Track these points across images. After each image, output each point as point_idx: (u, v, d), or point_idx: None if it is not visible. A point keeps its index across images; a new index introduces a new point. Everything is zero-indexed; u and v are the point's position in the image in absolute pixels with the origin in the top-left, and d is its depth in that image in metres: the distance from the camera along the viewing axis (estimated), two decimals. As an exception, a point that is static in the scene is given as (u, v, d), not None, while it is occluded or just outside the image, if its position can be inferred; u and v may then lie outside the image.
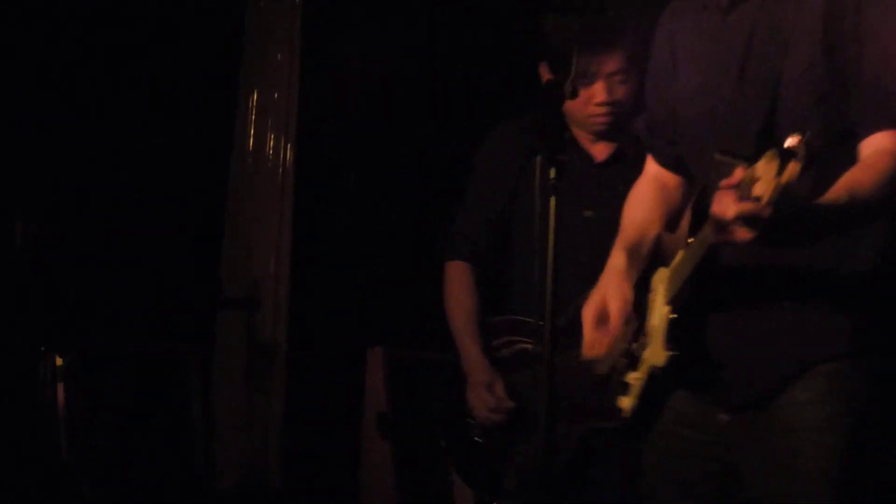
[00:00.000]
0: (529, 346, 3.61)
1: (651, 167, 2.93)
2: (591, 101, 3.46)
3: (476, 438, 3.63)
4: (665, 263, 2.70)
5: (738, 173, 2.17)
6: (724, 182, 2.21)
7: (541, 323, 3.20)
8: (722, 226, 2.21)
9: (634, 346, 2.68)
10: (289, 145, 5.50)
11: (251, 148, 5.53)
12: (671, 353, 2.52)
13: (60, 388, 4.75)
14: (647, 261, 2.75)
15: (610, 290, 2.68)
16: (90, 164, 5.22)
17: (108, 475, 5.05)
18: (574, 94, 2.66)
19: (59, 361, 4.77)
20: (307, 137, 5.50)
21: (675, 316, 2.53)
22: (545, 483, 3.16)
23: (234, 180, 5.55)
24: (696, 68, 2.65)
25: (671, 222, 2.85)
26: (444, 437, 3.72)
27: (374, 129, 5.51)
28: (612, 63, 3.42)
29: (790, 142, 2.08)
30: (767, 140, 2.34)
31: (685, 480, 2.66)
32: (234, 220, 5.54)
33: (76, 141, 5.17)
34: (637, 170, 3.40)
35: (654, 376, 2.59)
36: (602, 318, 2.66)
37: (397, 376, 4.97)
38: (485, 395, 3.56)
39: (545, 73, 3.51)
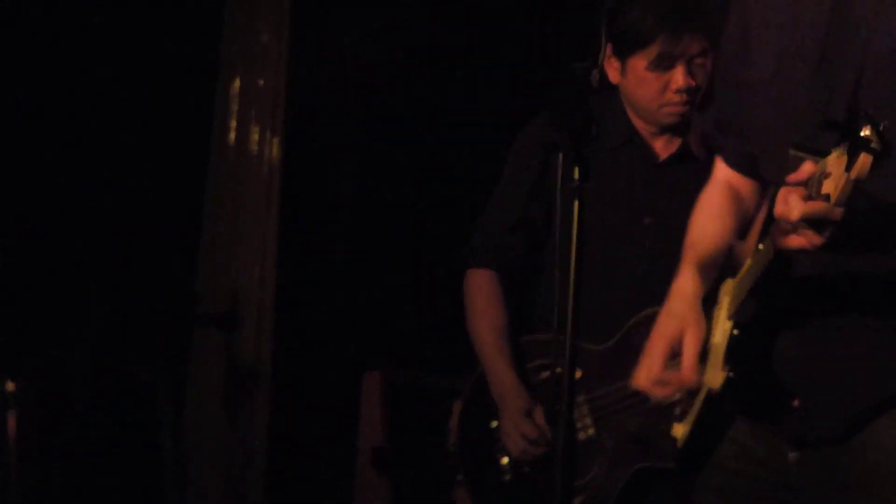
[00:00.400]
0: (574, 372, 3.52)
1: (721, 171, 2.83)
2: (669, 87, 3.40)
3: (506, 477, 3.53)
4: (734, 274, 2.64)
5: (807, 168, 2.13)
6: (790, 177, 2.16)
7: (589, 346, 3.36)
8: (786, 229, 2.17)
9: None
10: (275, 139, 5.43)
11: (233, 142, 5.45)
12: (728, 374, 2.43)
13: (11, 417, 4.66)
14: (716, 275, 2.69)
15: (687, 324, 2.56)
16: (51, 163, 5.16)
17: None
18: (602, 84, 2.74)
19: (10, 387, 4.66)
20: (296, 130, 5.44)
21: (737, 333, 2.45)
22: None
23: (213, 179, 5.46)
24: (770, 49, 2.56)
25: (744, 231, 2.80)
26: (464, 472, 3.60)
27: (370, 122, 5.45)
28: (696, 44, 3.36)
29: (864, 132, 2.00)
30: (849, 132, 2.16)
31: None
32: (213, 225, 5.46)
33: (35, 139, 5.13)
34: (705, 170, 3.39)
35: (711, 401, 2.53)
36: (673, 355, 2.55)
37: (396, 404, 4.75)
38: (523, 424, 3.45)
39: (612, 61, 3.47)
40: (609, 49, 3.45)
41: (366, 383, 4.77)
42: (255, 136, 5.38)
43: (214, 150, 5.42)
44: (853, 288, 2.42)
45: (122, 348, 5.16)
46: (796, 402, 2.45)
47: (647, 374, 2.57)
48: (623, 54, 3.41)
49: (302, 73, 5.36)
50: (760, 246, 2.46)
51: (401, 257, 5.26)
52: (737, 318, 2.48)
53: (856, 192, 2.05)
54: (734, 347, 2.44)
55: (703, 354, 2.58)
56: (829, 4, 2.47)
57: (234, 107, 5.38)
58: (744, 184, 2.78)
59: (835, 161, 2.06)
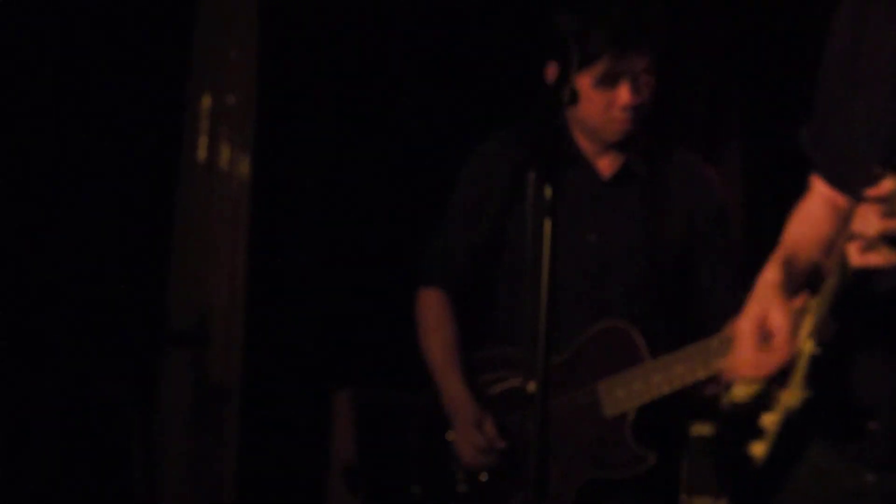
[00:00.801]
0: (522, 382, 3.40)
1: (819, 186, 2.79)
2: (615, 104, 3.45)
3: (460, 489, 3.59)
4: (818, 291, 2.62)
5: (888, 184, 2.08)
6: (870, 192, 2.12)
7: (533, 359, 3.28)
8: (864, 246, 2.14)
9: (774, 385, 2.54)
10: (245, 157, 5.37)
11: (203, 159, 5.38)
12: (807, 394, 2.41)
13: None
14: (802, 282, 2.64)
15: (773, 303, 2.51)
16: (20, 179, 5.10)
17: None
18: (574, 100, 2.60)
19: None
20: (267, 148, 5.37)
21: (818, 352, 2.41)
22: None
23: (182, 196, 5.39)
24: (880, 74, 2.52)
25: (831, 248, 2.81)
26: (421, 486, 3.67)
27: (343, 139, 5.39)
28: (641, 61, 3.41)
29: None
30: None
31: None
32: (183, 242, 5.39)
33: (4, 157, 5.08)
34: (648, 186, 3.53)
35: (790, 420, 2.47)
36: (764, 336, 2.48)
37: (368, 423, 4.78)
38: (473, 434, 3.52)
39: (554, 73, 3.44)
40: (555, 67, 3.44)
41: (337, 402, 4.81)
42: (226, 154, 5.34)
43: (184, 167, 5.36)
44: None
45: (91, 368, 5.09)
46: (874, 425, 2.44)
47: (742, 356, 2.53)
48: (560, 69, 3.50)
49: (272, 89, 5.33)
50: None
51: (371, 275, 5.26)
52: (818, 336, 2.45)
53: None
54: (814, 366, 2.43)
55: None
56: None
57: (204, 124, 5.34)
58: (842, 199, 2.75)
59: None
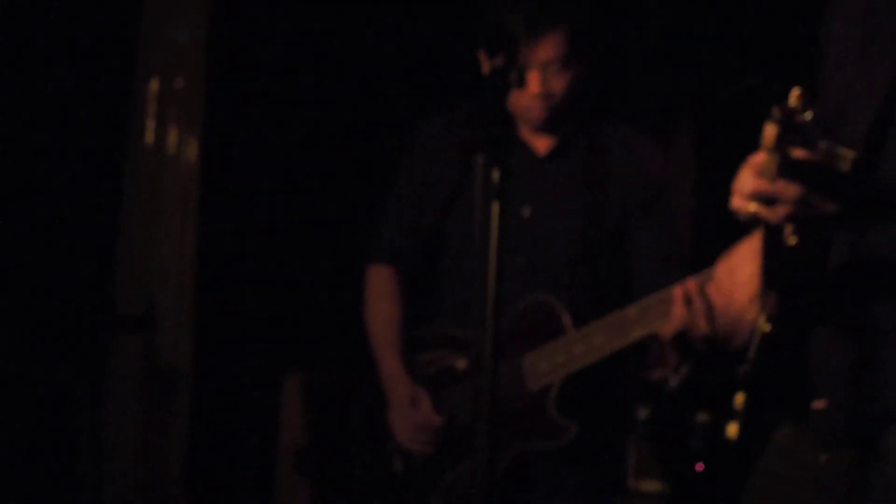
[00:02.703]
0: (458, 361, 3.59)
1: None
2: (525, 92, 3.44)
3: (396, 468, 3.62)
4: None
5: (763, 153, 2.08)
6: (753, 156, 2.15)
7: (475, 334, 3.17)
8: (742, 204, 2.15)
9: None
10: (193, 140, 5.36)
11: (150, 143, 5.36)
12: (749, 367, 2.36)
13: None
14: None
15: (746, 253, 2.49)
16: None
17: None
18: (521, 83, 2.63)
19: None
20: (215, 132, 5.37)
21: (769, 328, 2.37)
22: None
23: (129, 180, 5.37)
24: (846, 51, 2.55)
25: None
26: (359, 467, 3.70)
27: (291, 123, 5.41)
28: (546, 51, 3.39)
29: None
30: (881, 134, 2.26)
31: None
32: (130, 226, 5.38)
33: None
34: (583, 162, 3.53)
35: (746, 401, 2.42)
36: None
37: (318, 405, 4.82)
38: (409, 411, 3.54)
39: (485, 62, 3.48)
40: (482, 53, 3.49)
41: (287, 384, 4.84)
42: (173, 138, 5.33)
43: (131, 151, 5.35)
44: (885, 283, 2.40)
45: (40, 350, 5.09)
46: (819, 404, 2.44)
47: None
48: (494, 59, 3.47)
49: (221, 73, 5.32)
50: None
51: (321, 258, 5.27)
52: (769, 312, 2.42)
53: (781, 162, 2.03)
54: (763, 343, 2.40)
55: None
56: None
57: (152, 107, 5.33)
58: None
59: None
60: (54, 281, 5.13)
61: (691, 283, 3.11)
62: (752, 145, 2.45)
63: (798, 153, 2.03)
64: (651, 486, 4.68)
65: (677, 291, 3.11)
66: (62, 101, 5.15)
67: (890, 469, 2.37)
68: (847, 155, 2.05)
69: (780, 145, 2.02)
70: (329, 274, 5.17)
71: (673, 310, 3.12)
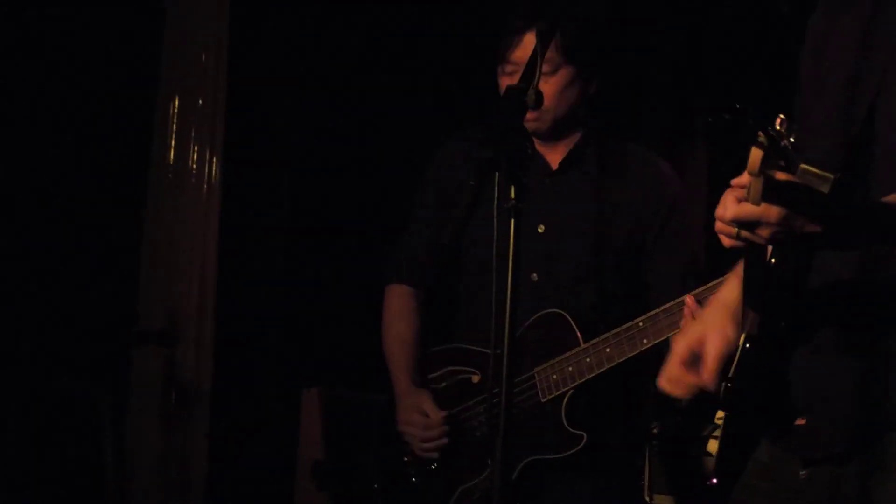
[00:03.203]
0: (473, 375, 3.61)
1: None
2: None
3: (413, 479, 3.62)
4: None
5: (744, 177, 2.11)
6: (734, 181, 2.17)
7: (487, 351, 3.23)
8: (728, 231, 2.19)
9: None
10: (215, 159, 5.38)
11: (172, 162, 5.39)
12: (730, 385, 2.40)
13: None
14: None
15: (711, 328, 2.53)
16: None
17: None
18: (538, 103, 2.62)
19: None
20: (236, 150, 5.40)
21: (749, 346, 2.41)
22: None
23: (152, 198, 5.41)
24: (819, 71, 2.61)
25: None
26: (379, 481, 3.69)
27: (308, 141, 5.46)
28: (523, 51, 3.39)
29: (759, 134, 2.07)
30: (862, 150, 2.32)
31: None
32: (153, 244, 5.40)
33: None
34: (595, 176, 3.54)
35: (727, 418, 2.52)
36: (694, 358, 2.53)
37: (335, 420, 4.86)
38: (412, 417, 3.59)
39: (503, 85, 3.52)
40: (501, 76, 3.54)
41: (305, 400, 4.88)
42: (195, 156, 5.34)
43: (154, 168, 5.37)
44: (859, 305, 2.43)
45: (64, 366, 5.09)
46: (801, 421, 2.46)
47: (665, 373, 2.57)
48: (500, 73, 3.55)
49: (241, 92, 5.35)
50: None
51: (339, 275, 5.31)
52: (749, 330, 2.45)
53: (766, 187, 2.06)
54: (743, 360, 2.43)
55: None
56: (860, 32, 2.50)
57: (174, 126, 5.34)
58: None
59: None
60: (79, 297, 5.16)
61: (700, 293, 3.15)
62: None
63: (781, 176, 2.05)
64: (664, 500, 4.76)
65: (688, 301, 3.15)
66: (88, 119, 5.23)
67: (866, 488, 2.40)
68: (827, 177, 2.07)
69: (765, 169, 2.04)
70: (346, 293, 5.20)
71: (682, 320, 3.16)
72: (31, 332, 5.09)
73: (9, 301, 5.06)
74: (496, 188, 2.56)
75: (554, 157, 3.59)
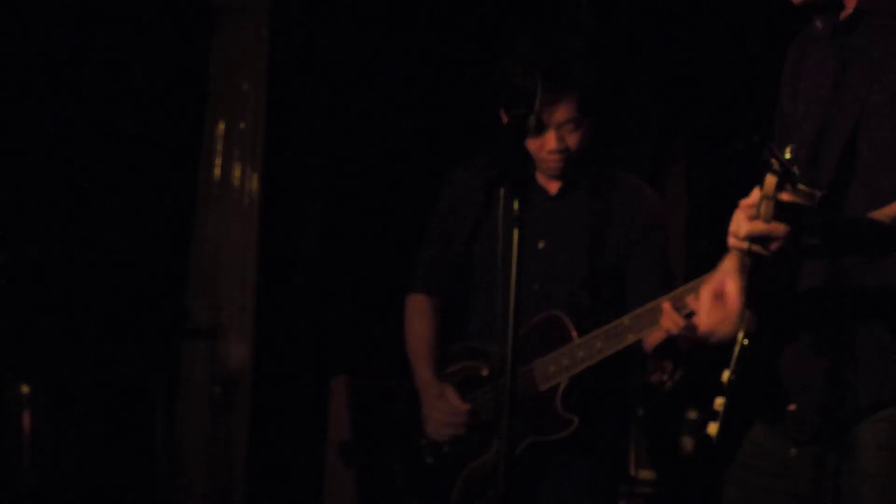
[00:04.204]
0: (483, 369, 3.69)
1: None
2: (544, 148, 3.54)
3: (428, 460, 3.71)
4: None
5: (755, 192, 2.24)
6: (743, 201, 2.28)
7: (492, 349, 3.49)
8: (740, 245, 2.28)
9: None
10: (255, 174, 5.52)
11: (218, 177, 5.56)
12: (731, 378, 2.49)
13: (26, 415, 4.80)
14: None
15: (727, 275, 2.61)
16: (54, 190, 5.25)
17: (72, 502, 5.08)
18: (539, 128, 2.81)
19: (24, 390, 4.82)
20: (273, 167, 5.52)
21: (747, 343, 2.51)
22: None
23: (200, 209, 5.57)
24: (798, 96, 2.68)
25: None
26: (399, 462, 3.79)
27: (341, 159, 5.55)
28: (561, 113, 3.49)
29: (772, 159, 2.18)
30: (846, 169, 2.40)
31: None
32: (200, 249, 5.56)
33: (40, 165, 5.21)
34: (589, 199, 3.61)
35: (727, 404, 2.55)
36: (719, 296, 2.60)
37: (361, 405, 4.99)
38: (437, 404, 3.65)
39: (504, 117, 3.58)
40: (503, 112, 3.55)
41: (334, 387, 5.04)
42: (237, 172, 5.49)
43: (201, 183, 5.53)
44: (843, 303, 2.50)
45: (122, 357, 5.23)
46: (792, 407, 2.55)
47: (701, 315, 2.61)
48: (506, 114, 3.50)
49: (278, 117, 5.45)
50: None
51: (368, 275, 5.40)
52: (745, 327, 2.51)
53: (777, 208, 2.17)
54: (742, 355, 2.49)
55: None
56: (844, 59, 2.54)
57: (219, 146, 5.50)
58: None
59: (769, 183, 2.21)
60: (134, 296, 5.31)
61: (677, 294, 3.22)
62: (735, 182, 2.63)
63: (786, 197, 2.18)
64: (648, 475, 4.80)
65: (665, 302, 3.20)
66: (143, 141, 5.37)
67: (847, 466, 2.50)
68: (815, 193, 2.20)
69: (776, 193, 2.17)
70: (371, 293, 5.31)
71: (661, 317, 3.22)
72: (97, 327, 5.23)
73: (79, 300, 5.20)
74: (501, 202, 2.65)
75: (552, 185, 3.65)
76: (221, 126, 5.55)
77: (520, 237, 3.40)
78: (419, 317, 3.84)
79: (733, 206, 2.60)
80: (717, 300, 2.59)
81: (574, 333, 3.50)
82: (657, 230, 3.65)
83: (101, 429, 5.23)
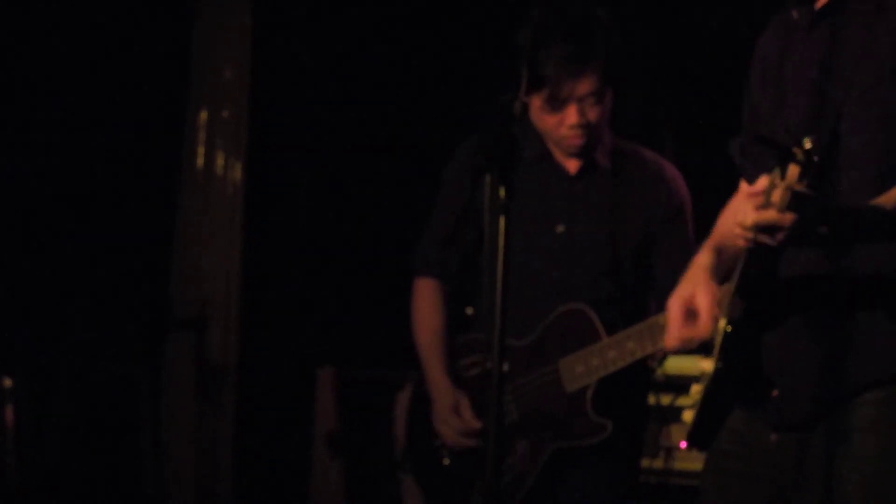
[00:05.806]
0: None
1: (745, 188, 2.78)
2: (564, 123, 3.44)
3: (445, 461, 3.61)
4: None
5: (762, 181, 2.25)
6: (748, 189, 2.29)
7: (509, 342, 3.30)
8: (745, 235, 2.29)
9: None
10: (238, 163, 5.53)
11: (200, 166, 5.56)
12: (719, 364, 2.48)
13: (9, 409, 4.79)
14: (729, 267, 2.69)
15: (699, 285, 2.60)
16: (35, 182, 5.26)
17: (56, 496, 5.11)
18: (524, 113, 2.62)
19: (7, 383, 4.79)
20: (257, 156, 5.54)
21: (729, 329, 2.49)
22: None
23: (183, 199, 5.57)
24: (779, 86, 2.66)
25: None
26: (410, 460, 3.68)
27: (326, 148, 5.57)
28: (583, 86, 3.40)
29: (794, 148, 2.18)
30: (832, 154, 2.40)
31: (743, 502, 2.67)
32: (184, 240, 5.57)
33: (19, 156, 5.22)
34: (610, 182, 3.50)
35: (711, 391, 2.54)
36: (690, 313, 2.58)
37: (347, 395, 4.97)
38: (451, 419, 3.54)
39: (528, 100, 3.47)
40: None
41: (320, 377, 5.05)
42: (221, 161, 5.49)
43: (184, 173, 5.53)
44: (824, 291, 2.50)
45: (107, 349, 5.23)
46: (775, 392, 2.52)
47: (671, 334, 2.59)
48: (525, 92, 3.48)
49: (262, 105, 5.48)
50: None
51: (352, 266, 5.42)
52: (729, 314, 2.51)
53: (794, 197, 2.19)
54: (725, 342, 2.49)
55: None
56: (826, 47, 2.54)
57: (202, 135, 5.50)
58: None
59: (777, 174, 2.22)
60: (117, 288, 5.30)
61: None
62: (725, 164, 2.71)
63: (800, 187, 2.20)
64: (654, 463, 4.61)
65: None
66: (125, 129, 5.36)
67: (827, 450, 2.50)
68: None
69: (798, 182, 2.18)
70: (357, 282, 5.35)
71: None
72: (80, 319, 5.24)
73: (60, 293, 5.22)
74: (487, 190, 2.53)
75: (571, 163, 3.55)
76: (204, 115, 5.55)
77: (538, 220, 3.46)
78: (429, 305, 3.70)
79: (719, 198, 2.67)
80: (688, 318, 2.57)
81: (602, 330, 3.39)
82: (683, 211, 3.56)
83: (86, 422, 5.23)
